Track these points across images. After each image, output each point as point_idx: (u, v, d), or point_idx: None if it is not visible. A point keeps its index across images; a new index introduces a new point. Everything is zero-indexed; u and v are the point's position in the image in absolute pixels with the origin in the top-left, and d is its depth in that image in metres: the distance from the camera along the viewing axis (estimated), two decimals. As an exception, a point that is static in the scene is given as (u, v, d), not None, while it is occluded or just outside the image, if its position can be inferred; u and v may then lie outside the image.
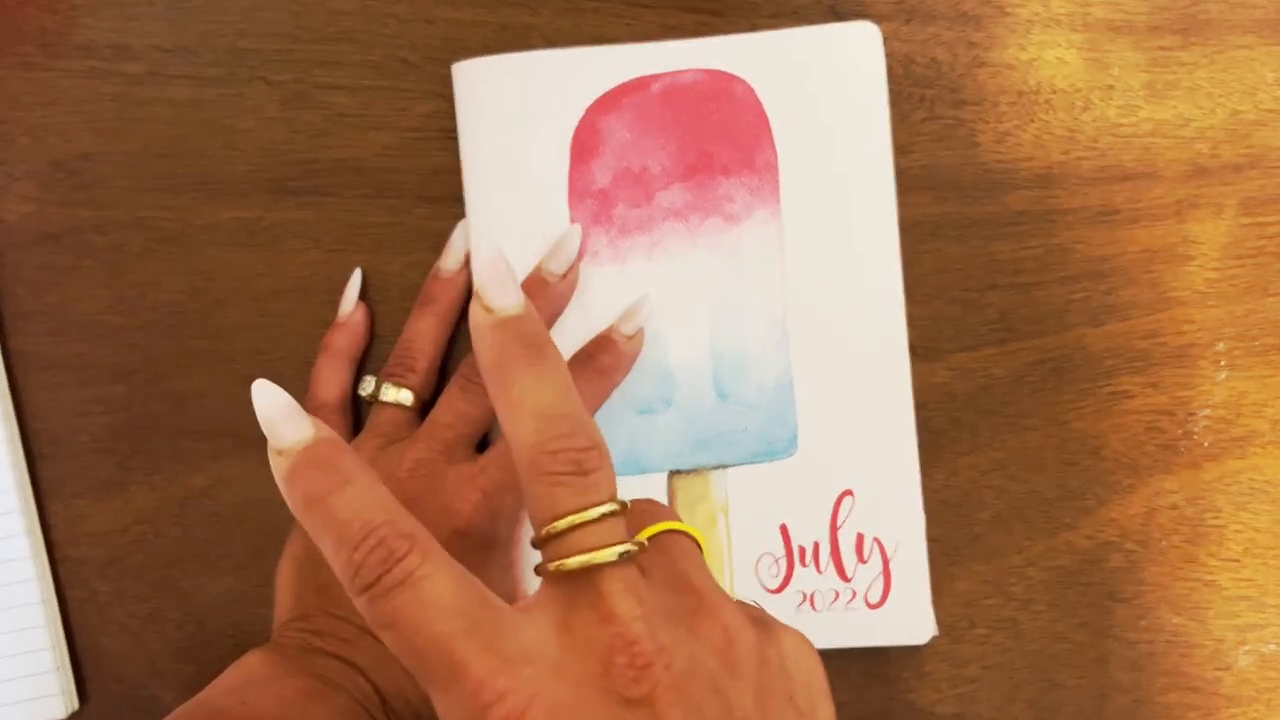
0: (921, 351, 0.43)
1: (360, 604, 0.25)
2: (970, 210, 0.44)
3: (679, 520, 0.30)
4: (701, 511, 0.43)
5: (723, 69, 0.43)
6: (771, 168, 0.43)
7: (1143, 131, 0.43)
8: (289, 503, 0.27)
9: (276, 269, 0.45)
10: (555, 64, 0.43)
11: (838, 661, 0.44)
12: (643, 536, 0.28)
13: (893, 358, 0.43)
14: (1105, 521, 0.44)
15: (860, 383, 0.43)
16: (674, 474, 0.43)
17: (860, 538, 0.43)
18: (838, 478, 0.43)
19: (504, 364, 0.27)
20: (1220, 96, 0.43)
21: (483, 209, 0.43)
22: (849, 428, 0.43)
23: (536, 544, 0.27)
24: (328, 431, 0.27)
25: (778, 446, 0.43)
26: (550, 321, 0.43)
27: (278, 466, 0.26)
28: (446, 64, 0.44)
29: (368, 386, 0.43)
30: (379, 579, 0.25)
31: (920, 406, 0.43)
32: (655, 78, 0.43)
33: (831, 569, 0.43)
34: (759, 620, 0.28)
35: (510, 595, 0.41)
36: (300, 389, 0.44)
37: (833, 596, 0.43)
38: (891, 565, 0.43)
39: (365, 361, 0.44)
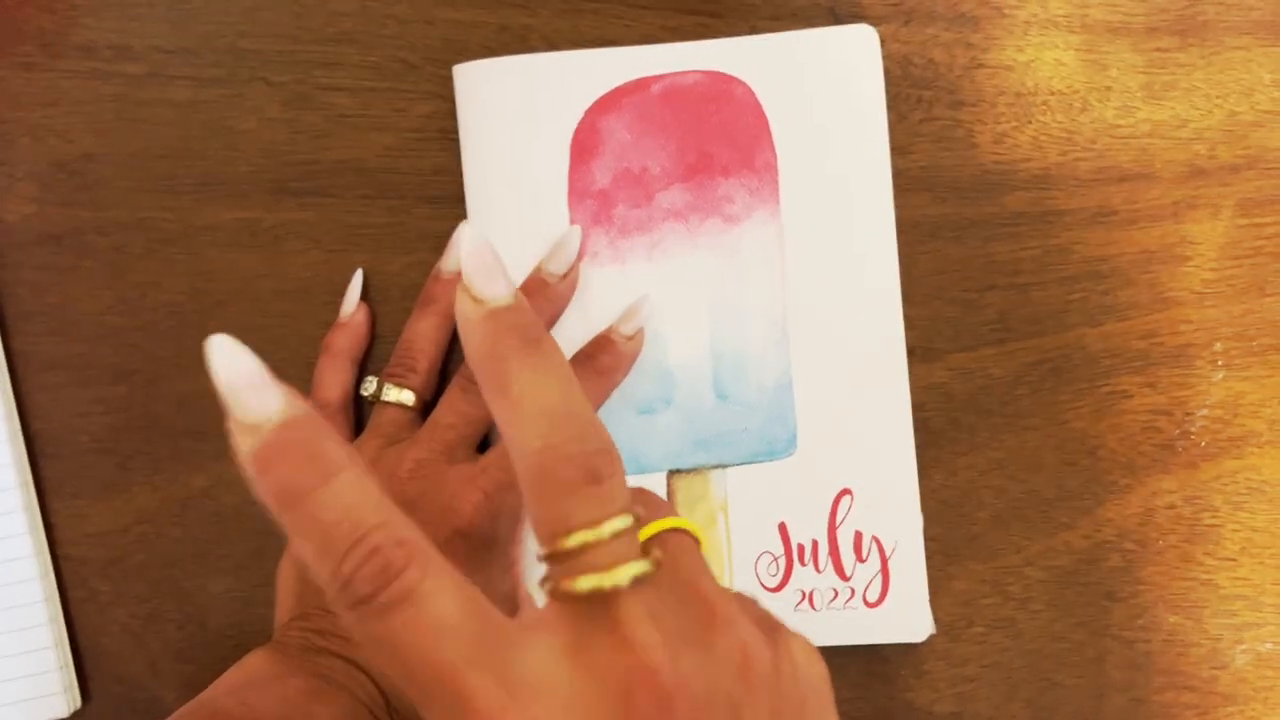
0: (920, 352, 0.44)
1: (349, 620, 0.22)
2: (968, 211, 0.44)
3: (676, 515, 0.28)
4: (701, 511, 0.43)
5: (722, 71, 0.43)
6: (771, 169, 0.43)
7: (1140, 132, 0.44)
8: (257, 489, 0.22)
9: (277, 270, 0.45)
10: (556, 66, 0.43)
11: (836, 660, 0.44)
12: (643, 536, 0.26)
13: (891, 358, 0.43)
14: (1103, 521, 0.44)
15: (859, 383, 0.43)
16: (674, 474, 0.43)
17: (859, 536, 0.43)
18: (836, 477, 0.43)
19: (499, 358, 0.24)
20: (1217, 98, 0.43)
21: (483, 210, 0.43)
22: (848, 428, 0.43)
23: (542, 558, 0.24)
24: (303, 406, 0.23)
25: (777, 446, 0.43)
26: (550, 322, 0.43)
27: (243, 444, 0.22)
28: (446, 65, 0.44)
29: (369, 387, 0.43)
30: (373, 595, 0.22)
31: (919, 406, 0.43)
32: (655, 79, 0.43)
33: (830, 568, 0.43)
34: (768, 628, 0.27)
35: (510, 595, 0.41)
36: (302, 390, 0.44)
37: (831, 595, 0.43)
38: (890, 564, 0.43)
39: (367, 362, 0.45)
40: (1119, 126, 0.44)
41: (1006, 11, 0.43)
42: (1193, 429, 0.44)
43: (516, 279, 0.43)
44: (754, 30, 0.43)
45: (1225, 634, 0.44)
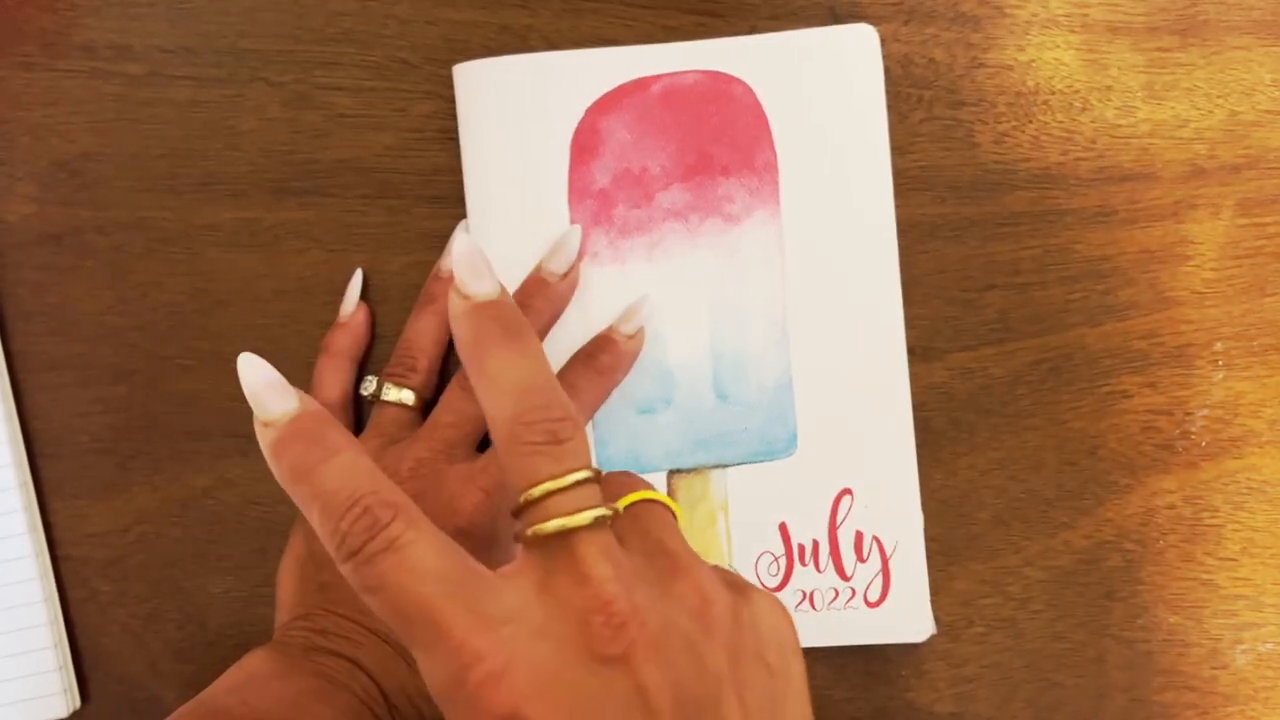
0: (920, 351, 0.44)
1: (346, 570, 0.26)
2: (968, 211, 0.44)
3: (653, 490, 0.30)
4: (701, 510, 0.43)
5: (722, 70, 0.43)
6: (771, 168, 0.43)
7: (1141, 132, 0.43)
8: (276, 473, 0.27)
9: (277, 269, 0.45)
10: (555, 65, 0.43)
11: (837, 660, 0.44)
12: (619, 505, 0.28)
13: (891, 358, 0.43)
14: (1103, 521, 0.44)
15: (859, 383, 0.43)
16: (674, 473, 0.43)
17: (859, 536, 0.43)
18: (837, 477, 0.43)
19: (480, 342, 0.28)
20: (1218, 97, 0.43)
21: (483, 209, 0.43)
22: (848, 427, 0.43)
23: (515, 513, 0.28)
24: (313, 404, 0.28)
25: (777, 446, 0.43)
26: (551, 321, 0.43)
27: (264, 437, 0.27)
28: (446, 65, 0.44)
29: (369, 386, 0.43)
30: (363, 545, 0.26)
31: (919, 406, 0.43)
32: (655, 79, 0.43)
33: (831, 568, 0.43)
34: (733, 584, 0.29)
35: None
36: (302, 389, 0.44)
37: (832, 595, 0.43)
38: (890, 564, 0.43)
39: (367, 361, 0.45)
40: (1119, 126, 0.44)
41: (1007, 11, 0.43)
42: (1193, 429, 0.44)
43: (516, 279, 0.43)
44: (754, 30, 0.43)
45: (1225, 634, 0.44)
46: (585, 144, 0.43)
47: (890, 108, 0.43)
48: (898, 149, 0.43)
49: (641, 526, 0.29)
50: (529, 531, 0.27)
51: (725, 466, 0.43)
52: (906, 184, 0.43)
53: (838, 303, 0.43)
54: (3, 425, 0.44)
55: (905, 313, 0.43)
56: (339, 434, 0.27)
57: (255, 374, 0.27)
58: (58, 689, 0.44)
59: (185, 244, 0.45)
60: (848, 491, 0.43)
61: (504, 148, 0.43)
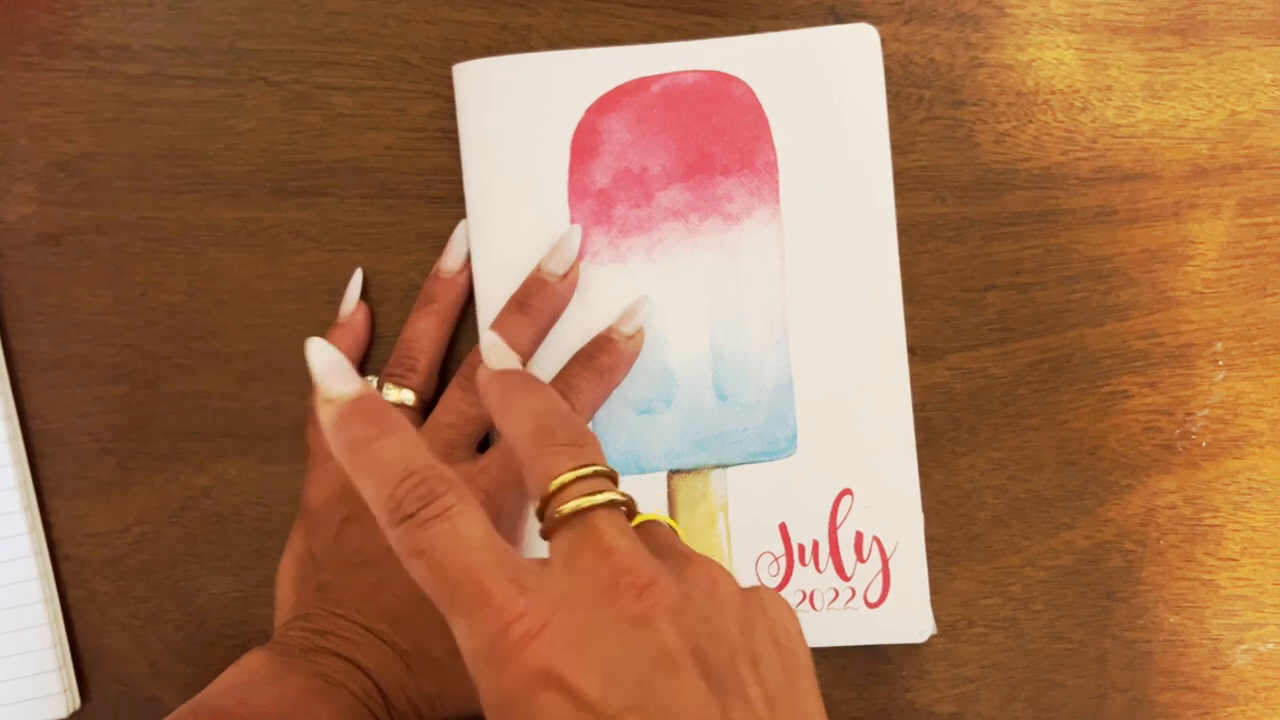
0: (920, 351, 0.44)
1: (394, 535, 0.28)
2: (969, 210, 0.44)
3: (654, 514, 0.33)
4: (701, 511, 0.43)
5: (722, 70, 0.43)
6: (771, 168, 0.43)
7: (1141, 132, 0.43)
8: (333, 446, 0.29)
9: (277, 269, 0.45)
10: (555, 65, 0.43)
11: (837, 660, 0.44)
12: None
13: (892, 358, 0.43)
14: (1104, 521, 0.44)
15: (859, 383, 0.43)
16: (674, 473, 0.43)
17: (859, 537, 0.43)
18: (837, 477, 0.43)
19: (507, 394, 0.32)
20: (1218, 97, 0.43)
21: (483, 209, 0.43)
22: (848, 427, 0.43)
23: (538, 512, 0.29)
24: (372, 389, 0.30)
25: (777, 446, 0.43)
26: (551, 322, 0.43)
27: (326, 413, 0.29)
28: (446, 65, 0.44)
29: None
30: (418, 511, 0.28)
31: (919, 406, 0.43)
32: (655, 78, 0.43)
33: (831, 568, 0.43)
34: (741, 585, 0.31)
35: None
36: (302, 389, 0.45)
37: (832, 595, 0.43)
38: (890, 564, 0.43)
39: (366, 362, 0.45)
40: (1120, 126, 0.43)
41: (1007, 11, 0.43)
42: (1194, 429, 0.44)
43: (517, 279, 0.43)
44: (754, 29, 0.43)
45: (1226, 634, 0.44)
46: (585, 144, 0.43)
47: (890, 107, 0.43)
48: (898, 149, 0.43)
49: (650, 535, 0.31)
50: (552, 513, 0.29)
51: (725, 466, 0.43)
52: (907, 184, 0.43)
53: (838, 302, 0.43)
54: (3, 425, 0.44)
55: (905, 313, 0.43)
56: (398, 417, 0.29)
57: (323, 358, 0.29)
58: (57, 689, 0.44)
59: (184, 244, 0.45)
60: (848, 492, 0.43)
61: (504, 147, 0.43)
